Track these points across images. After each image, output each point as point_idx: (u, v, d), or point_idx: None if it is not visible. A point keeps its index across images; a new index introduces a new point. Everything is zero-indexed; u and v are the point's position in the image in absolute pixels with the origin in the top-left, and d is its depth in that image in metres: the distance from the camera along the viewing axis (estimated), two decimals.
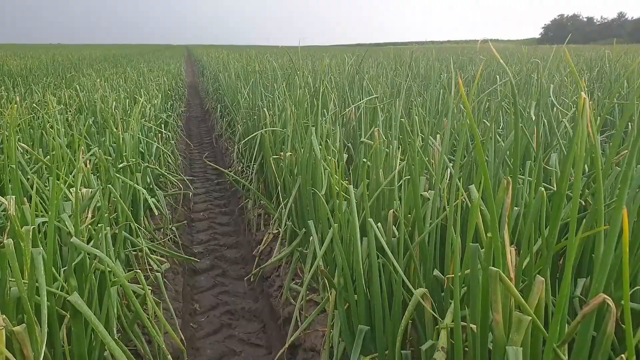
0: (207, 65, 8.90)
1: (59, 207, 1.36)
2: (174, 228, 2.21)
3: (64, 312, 1.12)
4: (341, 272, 1.22)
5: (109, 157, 1.97)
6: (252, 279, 2.17)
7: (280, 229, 2.09)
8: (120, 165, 1.81)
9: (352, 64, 4.45)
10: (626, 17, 70.03)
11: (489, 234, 0.80)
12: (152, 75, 6.22)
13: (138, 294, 1.32)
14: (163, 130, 3.19)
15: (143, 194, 1.78)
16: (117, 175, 1.65)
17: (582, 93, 0.69)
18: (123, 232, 1.52)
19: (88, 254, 1.16)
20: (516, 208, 1.23)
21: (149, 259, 1.74)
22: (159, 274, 1.54)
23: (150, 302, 1.24)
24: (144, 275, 1.75)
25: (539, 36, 78.58)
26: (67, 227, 1.30)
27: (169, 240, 2.23)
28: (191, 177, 3.63)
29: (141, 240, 1.76)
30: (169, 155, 3.00)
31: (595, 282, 0.77)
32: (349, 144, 2.50)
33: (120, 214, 1.59)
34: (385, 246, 1.12)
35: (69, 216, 1.33)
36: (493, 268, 0.80)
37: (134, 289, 1.33)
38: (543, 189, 0.92)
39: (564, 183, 0.79)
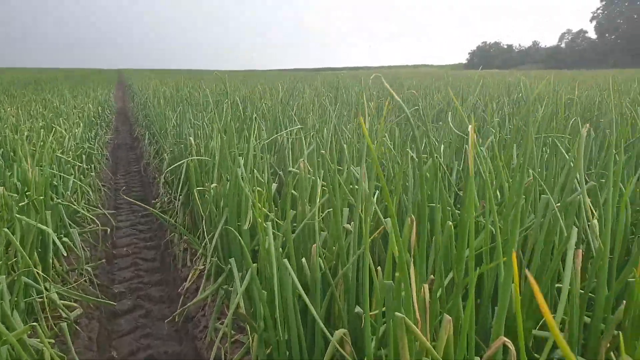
0: (137, 90, 8.63)
1: None
2: (89, 268, 2.05)
3: None
4: (261, 314, 1.15)
5: (15, 195, 1.80)
6: (176, 319, 2.04)
7: (207, 265, 1.99)
8: (22, 204, 1.66)
9: (286, 89, 4.44)
10: (540, 45, 75.46)
11: (397, 274, 0.77)
12: (77, 101, 5.93)
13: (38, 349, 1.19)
14: (84, 161, 3.01)
15: (50, 234, 1.63)
16: (17, 216, 1.50)
17: (470, 127, 0.68)
18: (23, 278, 1.37)
19: None
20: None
21: (58, 306, 1.59)
22: (64, 324, 1.40)
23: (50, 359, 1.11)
24: (53, 324, 1.59)
25: (466, 61, 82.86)
26: None
27: (85, 281, 2.07)
28: (114, 211, 3.44)
29: (50, 285, 1.60)
30: (88, 188, 2.81)
31: (496, 323, 0.74)
32: (281, 172, 2.45)
33: (20, 259, 1.44)
34: (299, 286, 1.07)
35: None
36: (398, 314, 0.77)
37: (34, 343, 1.19)
38: (450, 222, 0.90)
39: (465, 214, 0.78)
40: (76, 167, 2.68)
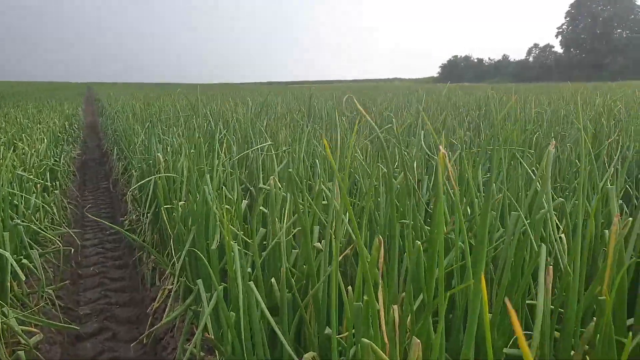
0: (106, 104, 8.48)
1: None
2: (50, 290, 1.97)
3: None
4: (228, 339, 1.11)
5: None
6: (144, 341, 1.98)
7: (175, 285, 1.93)
8: None
9: (259, 103, 4.42)
10: (509, 58, 77.52)
11: (365, 297, 0.75)
12: (42, 115, 5.78)
13: None
14: (47, 179, 2.91)
15: (7, 257, 1.56)
16: None
17: (441, 149, 0.67)
18: None
19: None
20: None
21: (17, 332, 1.51)
22: (21, 352, 1.33)
23: None
24: (12, 351, 1.52)
25: (437, 75, 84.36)
26: None
27: (47, 304, 1.98)
28: (80, 229, 3.34)
29: (7, 310, 1.53)
30: (52, 207, 2.72)
31: (465, 346, 0.73)
32: (253, 188, 2.41)
33: None
34: (265, 309, 1.04)
35: None
36: (364, 340, 0.75)
37: None
38: (419, 242, 0.89)
39: (434, 234, 0.76)
40: (39, 185, 2.59)
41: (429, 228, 1.47)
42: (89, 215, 3.26)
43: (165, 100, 6.38)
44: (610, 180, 1.86)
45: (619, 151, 1.89)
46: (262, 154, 2.37)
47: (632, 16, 66.60)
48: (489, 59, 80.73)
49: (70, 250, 2.42)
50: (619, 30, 67.11)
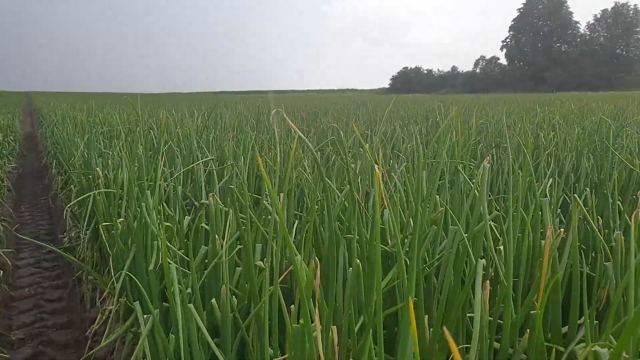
0: (46, 115, 8.12)
1: None
2: None
3: None
4: None
5: None
6: None
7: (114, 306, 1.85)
8: None
9: (206, 114, 4.33)
10: (458, 70, 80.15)
11: (301, 321, 0.73)
12: None
13: None
14: None
15: None
16: None
17: (377, 169, 0.67)
18: None
19: None
20: None
21: None
22: None
23: None
24: None
25: (388, 86, 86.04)
26: None
27: None
28: (13, 249, 3.16)
29: None
30: None
31: None
32: (197, 203, 2.35)
33: None
34: (205, 330, 1.00)
35: None
36: None
37: None
38: (358, 260, 0.88)
39: (372, 252, 0.75)
40: None
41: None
42: (18, 235, 3.09)
43: (109, 110, 6.17)
44: (548, 191, 1.92)
45: (552, 162, 1.96)
46: (206, 169, 2.31)
47: (570, 31, 70.42)
48: (439, 70, 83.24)
49: (9, 268, 2.28)
50: (557, 45, 70.77)
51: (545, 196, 1.91)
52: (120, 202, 2.07)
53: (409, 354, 0.68)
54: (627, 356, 0.76)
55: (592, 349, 0.77)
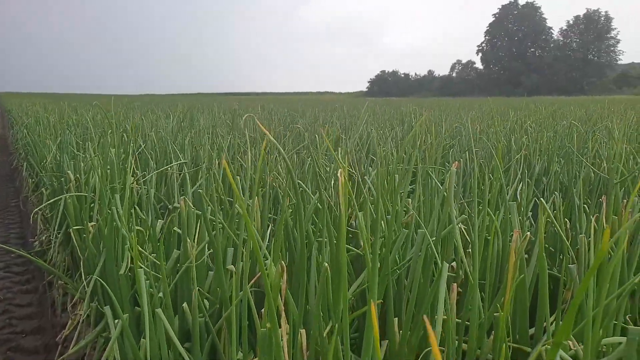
0: (17, 117, 7.94)
1: None
2: None
3: None
4: None
5: None
6: None
7: (85, 311, 1.82)
8: None
9: (181, 116, 4.30)
10: (434, 74, 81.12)
11: (267, 324, 0.74)
12: None
13: None
14: None
15: None
16: None
17: (340, 175, 0.68)
18: None
19: None
20: None
21: None
22: None
23: None
24: None
25: (366, 89, 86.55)
26: None
27: None
28: None
29: None
30: None
31: None
32: (171, 207, 2.33)
33: None
34: (174, 336, 1.00)
35: None
36: None
37: None
38: (326, 264, 0.89)
39: (340, 257, 0.77)
40: None
41: (347, 246, 1.48)
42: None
43: (82, 112, 6.08)
44: (519, 194, 1.96)
45: (521, 166, 2.01)
46: (180, 172, 2.30)
47: (544, 36, 71.90)
48: (415, 74, 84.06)
49: None
50: (532, 50, 72.18)
51: (516, 199, 1.95)
52: (92, 205, 2.04)
53: (372, 355, 0.69)
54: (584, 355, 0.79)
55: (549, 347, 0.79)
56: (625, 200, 1.59)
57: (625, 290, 0.99)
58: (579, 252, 1.36)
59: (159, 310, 1.03)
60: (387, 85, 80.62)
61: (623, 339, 0.96)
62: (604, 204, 1.24)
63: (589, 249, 1.26)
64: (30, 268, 3.02)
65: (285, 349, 0.75)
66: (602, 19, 67.59)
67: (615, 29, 67.10)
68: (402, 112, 6.58)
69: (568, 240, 1.58)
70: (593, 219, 1.08)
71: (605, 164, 2.37)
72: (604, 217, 1.24)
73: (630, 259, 1.36)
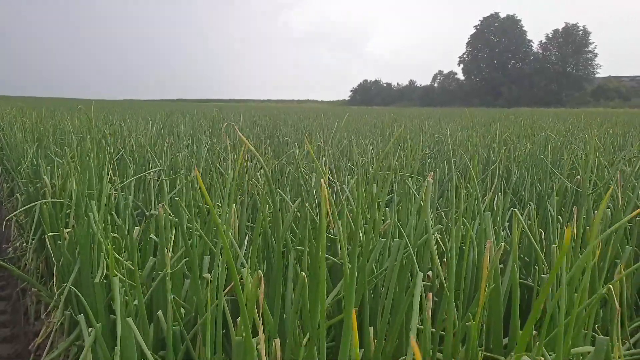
0: None
1: None
2: None
3: None
4: None
5: None
6: None
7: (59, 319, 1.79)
8: None
9: (161, 122, 4.27)
10: (416, 84, 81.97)
11: (243, 334, 0.74)
12: None
13: None
14: None
15: None
16: None
17: (323, 184, 0.68)
18: None
19: None
20: None
21: None
22: None
23: None
24: None
25: (349, 98, 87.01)
26: None
27: None
28: None
29: None
30: None
31: None
32: (148, 214, 2.31)
33: None
34: (144, 345, 0.99)
35: None
36: None
37: None
38: (303, 273, 0.89)
39: (317, 266, 0.77)
40: None
41: (327, 255, 1.48)
42: None
43: (61, 117, 5.99)
44: (495, 204, 1.99)
45: (497, 176, 2.04)
46: (158, 179, 2.28)
47: (524, 49, 73.23)
48: (398, 84, 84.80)
49: None
50: (512, 62, 73.43)
51: (492, 209, 1.98)
52: (68, 212, 2.01)
53: None
54: None
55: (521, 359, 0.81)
56: (596, 212, 1.62)
57: (594, 300, 1.01)
58: (552, 262, 1.39)
59: (129, 320, 1.02)
60: (369, 94, 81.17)
61: (592, 349, 0.98)
62: (575, 215, 1.26)
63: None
64: (4, 275, 2.95)
65: (263, 356, 0.76)
66: (581, 32, 69.17)
67: (593, 42, 68.72)
68: (382, 121, 6.64)
69: (542, 251, 1.61)
70: (566, 230, 1.11)
71: (579, 175, 2.42)
72: (574, 227, 1.26)
73: (601, 269, 1.39)
